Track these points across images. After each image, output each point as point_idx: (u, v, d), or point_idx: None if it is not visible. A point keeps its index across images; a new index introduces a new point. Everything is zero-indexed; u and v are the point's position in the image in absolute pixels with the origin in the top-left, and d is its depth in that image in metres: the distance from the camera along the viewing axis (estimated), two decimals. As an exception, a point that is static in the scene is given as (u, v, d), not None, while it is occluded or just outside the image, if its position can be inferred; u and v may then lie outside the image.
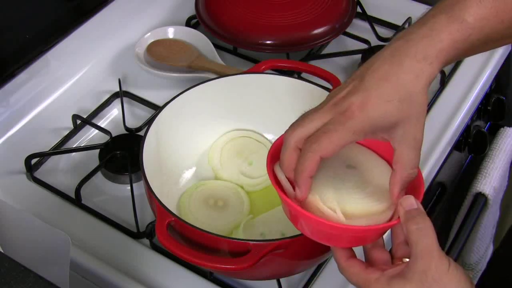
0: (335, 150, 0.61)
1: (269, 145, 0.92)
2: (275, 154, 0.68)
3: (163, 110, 0.86)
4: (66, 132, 0.99)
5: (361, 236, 0.64)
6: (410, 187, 0.65)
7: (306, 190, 0.64)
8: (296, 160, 0.63)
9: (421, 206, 0.62)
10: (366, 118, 0.60)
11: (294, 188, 0.64)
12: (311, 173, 0.62)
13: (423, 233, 0.59)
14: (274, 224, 0.84)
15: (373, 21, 1.16)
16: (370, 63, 0.63)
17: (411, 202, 0.62)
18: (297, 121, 0.65)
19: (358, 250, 0.66)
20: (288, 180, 0.66)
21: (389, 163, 0.69)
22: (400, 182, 0.63)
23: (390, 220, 0.65)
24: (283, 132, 0.89)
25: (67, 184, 0.92)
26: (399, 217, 0.62)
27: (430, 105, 1.03)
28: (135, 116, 1.03)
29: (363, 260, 0.65)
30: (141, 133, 0.94)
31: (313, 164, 0.61)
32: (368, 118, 0.60)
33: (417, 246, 0.59)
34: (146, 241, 0.86)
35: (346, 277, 0.64)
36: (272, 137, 0.94)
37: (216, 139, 0.93)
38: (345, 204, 0.65)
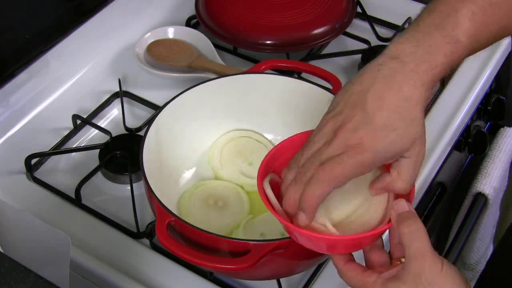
0: (345, 181, 0.61)
1: (269, 145, 0.92)
2: (265, 170, 0.71)
3: (163, 110, 0.86)
4: (66, 132, 0.99)
5: (355, 243, 0.65)
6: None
7: (311, 217, 0.63)
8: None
9: (412, 209, 0.63)
10: (376, 152, 0.61)
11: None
12: (321, 201, 0.62)
13: (415, 235, 0.61)
14: (274, 224, 0.83)
15: (373, 21, 1.16)
16: (368, 85, 0.62)
17: (403, 205, 0.63)
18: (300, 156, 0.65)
19: (358, 252, 0.66)
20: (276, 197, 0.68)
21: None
22: (385, 187, 0.66)
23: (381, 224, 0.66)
24: (283, 132, 0.90)
25: (67, 184, 0.92)
26: (390, 220, 0.63)
27: (430, 105, 1.03)
28: (135, 116, 1.03)
29: (363, 262, 0.66)
30: (141, 133, 0.94)
31: (325, 194, 0.61)
32: (378, 152, 0.61)
33: (410, 248, 0.60)
34: (146, 241, 0.86)
35: (344, 281, 0.65)
36: (272, 137, 0.94)
37: (216, 139, 0.93)
38: (336, 217, 0.66)
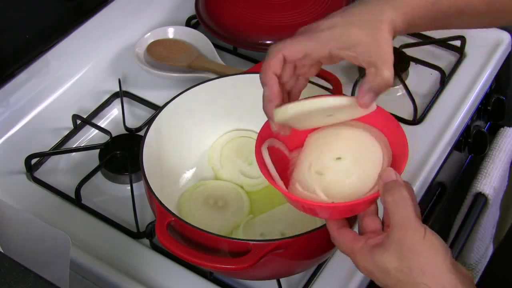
0: (297, 51, 0.67)
1: None
2: (263, 137, 0.73)
3: (163, 110, 0.86)
4: (66, 132, 0.99)
5: (346, 210, 0.67)
6: (397, 160, 0.68)
7: (275, 91, 0.69)
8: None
9: (399, 178, 0.64)
10: (328, 34, 0.67)
11: (288, 169, 0.70)
12: (275, 70, 0.68)
13: (399, 203, 0.62)
14: (274, 224, 0.83)
15: (373, 21, 1.16)
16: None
17: (390, 174, 0.65)
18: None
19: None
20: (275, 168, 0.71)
21: (387, 136, 0.72)
22: (367, 86, 0.66)
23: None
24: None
25: (67, 184, 0.92)
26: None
27: (430, 105, 1.03)
28: (135, 116, 1.03)
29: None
30: (141, 133, 0.94)
31: (276, 61, 0.68)
32: (331, 34, 0.67)
33: (394, 216, 0.62)
34: (146, 241, 0.86)
35: (336, 246, 0.67)
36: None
37: (216, 139, 0.93)
38: (330, 190, 0.68)
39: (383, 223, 0.66)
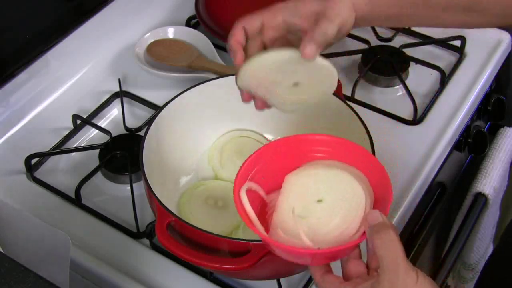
0: (254, 21, 0.74)
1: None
2: (243, 178, 0.69)
3: (163, 110, 0.86)
4: (66, 132, 0.99)
5: (329, 256, 0.64)
6: (380, 203, 0.66)
7: (238, 55, 0.75)
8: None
9: (386, 219, 0.62)
10: (285, 5, 0.72)
11: (266, 213, 0.67)
12: (237, 38, 0.74)
13: (388, 246, 0.60)
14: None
15: (373, 21, 1.16)
16: None
17: (376, 216, 0.62)
18: None
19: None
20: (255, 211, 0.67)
21: (367, 176, 0.69)
22: (311, 37, 0.70)
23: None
24: (283, 132, 0.90)
25: (67, 184, 0.92)
26: (365, 232, 0.63)
27: (430, 105, 1.03)
28: (135, 116, 1.03)
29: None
30: (141, 133, 0.94)
31: (237, 30, 0.74)
32: (287, 5, 0.72)
33: (383, 260, 0.60)
34: (146, 241, 0.86)
35: None
36: (272, 137, 0.94)
37: (216, 139, 0.93)
38: (314, 234, 0.65)
39: (367, 266, 0.64)
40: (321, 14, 0.71)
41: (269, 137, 0.94)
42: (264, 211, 0.70)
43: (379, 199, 0.67)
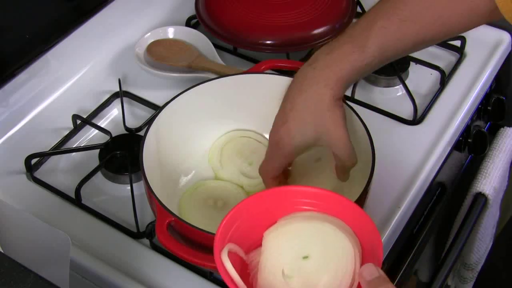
0: (277, 171, 0.81)
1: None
2: (222, 239, 0.64)
3: (163, 110, 0.86)
4: (66, 132, 0.99)
5: None
6: (369, 253, 0.63)
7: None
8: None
9: (382, 273, 0.60)
10: (292, 145, 0.78)
11: (248, 275, 0.64)
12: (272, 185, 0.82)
13: None
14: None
15: (373, 21, 1.16)
16: (288, 93, 0.80)
17: (372, 271, 0.60)
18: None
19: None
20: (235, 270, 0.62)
21: (354, 230, 0.66)
22: (340, 169, 0.80)
23: None
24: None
25: (67, 184, 0.92)
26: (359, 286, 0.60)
27: (430, 105, 1.03)
28: (135, 116, 1.03)
29: None
30: (141, 133, 0.94)
31: (270, 182, 0.82)
32: (294, 144, 0.78)
33: None
34: (146, 241, 0.86)
35: None
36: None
37: (216, 139, 0.93)
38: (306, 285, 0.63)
39: None
40: (331, 143, 0.79)
41: (269, 137, 0.94)
42: (246, 273, 0.65)
43: (367, 248, 0.63)
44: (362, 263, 0.63)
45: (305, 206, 0.67)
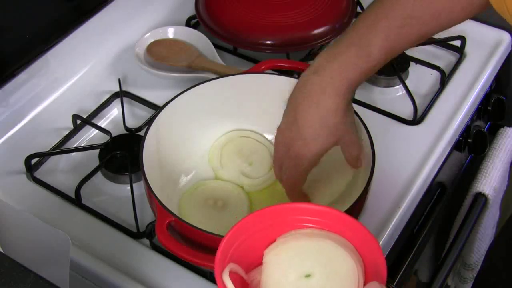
0: (301, 184, 0.81)
1: (269, 145, 0.92)
2: (222, 258, 0.62)
3: (163, 110, 0.86)
4: (66, 132, 0.99)
5: None
6: (372, 269, 0.62)
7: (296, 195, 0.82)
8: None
9: None
10: (311, 158, 0.78)
11: None
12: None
13: None
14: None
15: (373, 21, 1.16)
16: (297, 104, 0.78)
17: None
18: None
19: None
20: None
21: (357, 248, 0.65)
22: (352, 162, 0.81)
23: None
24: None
25: (67, 184, 0.92)
26: None
27: (430, 105, 1.03)
28: (135, 116, 1.03)
29: None
30: (141, 133, 0.94)
31: (296, 195, 0.82)
32: (312, 156, 0.78)
33: None
34: (146, 241, 0.86)
35: None
36: (272, 137, 0.94)
37: (216, 139, 0.93)
38: None
39: None
40: (342, 144, 0.80)
41: (269, 137, 0.94)
42: None
43: (369, 265, 0.63)
44: (365, 281, 0.62)
45: (305, 223, 0.66)
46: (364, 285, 0.62)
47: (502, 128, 1.14)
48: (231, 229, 0.64)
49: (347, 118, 0.78)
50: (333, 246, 0.64)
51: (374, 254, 0.62)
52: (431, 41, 1.13)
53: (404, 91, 1.04)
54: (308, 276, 0.63)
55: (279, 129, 0.81)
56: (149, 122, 0.86)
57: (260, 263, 0.65)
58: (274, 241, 0.66)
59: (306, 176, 0.80)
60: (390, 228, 0.88)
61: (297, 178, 0.80)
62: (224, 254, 0.62)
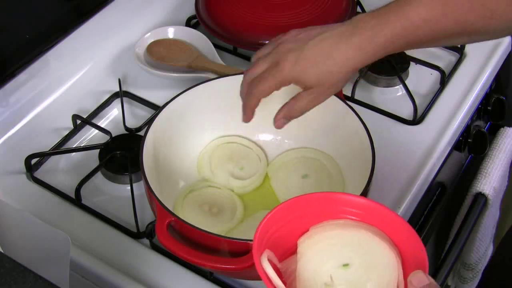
0: (269, 92, 0.77)
1: (257, 149, 0.91)
2: (260, 243, 0.61)
3: (163, 110, 0.86)
4: (66, 132, 0.99)
5: None
6: (410, 259, 0.62)
7: (250, 117, 0.81)
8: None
9: (432, 280, 0.58)
10: (291, 75, 0.75)
11: (284, 283, 0.60)
12: (254, 107, 0.79)
13: None
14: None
15: (373, 21, 1.16)
16: (321, 32, 0.76)
17: (422, 278, 0.58)
18: (252, 63, 0.80)
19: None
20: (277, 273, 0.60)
21: (395, 244, 0.63)
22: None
23: None
24: (283, 133, 0.90)
25: (67, 184, 0.92)
26: None
27: (430, 105, 1.03)
28: (135, 116, 1.03)
29: None
30: (141, 133, 0.94)
31: (255, 102, 0.79)
32: (293, 76, 0.75)
33: None
34: (146, 241, 0.86)
35: None
36: (272, 137, 0.94)
37: (217, 139, 0.93)
38: None
39: None
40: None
41: (269, 137, 0.94)
42: (282, 281, 0.61)
43: (406, 254, 0.61)
44: (404, 275, 0.61)
45: (341, 214, 0.65)
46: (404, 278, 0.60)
47: (502, 128, 1.14)
48: (265, 217, 0.63)
49: (342, 79, 0.77)
50: (369, 236, 0.63)
51: (414, 247, 0.61)
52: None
53: (404, 91, 1.04)
54: (346, 265, 0.62)
55: (280, 35, 0.79)
56: (149, 122, 0.86)
57: (293, 252, 0.64)
58: (306, 230, 0.65)
59: (272, 88, 0.77)
60: (390, 228, 0.88)
61: (267, 86, 0.77)
62: (260, 241, 0.61)
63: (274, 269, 0.60)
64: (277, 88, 0.77)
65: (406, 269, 0.61)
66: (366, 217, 0.64)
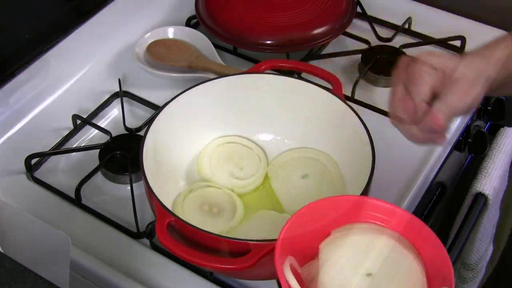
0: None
1: (257, 149, 0.91)
2: (282, 249, 0.60)
3: (163, 110, 0.86)
4: (66, 132, 0.99)
5: None
6: (435, 275, 0.60)
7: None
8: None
9: None
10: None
11: None
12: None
13: None
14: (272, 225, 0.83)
15: (373, 21, 1.16)
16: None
17: None
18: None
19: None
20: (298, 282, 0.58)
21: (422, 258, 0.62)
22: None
23: None
24: (283, 133, 0.90)
25: (67, 184, 0.92)
26: None
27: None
28: (135, 116, 1.03)
29: None
30: (141, 133, 0.94)
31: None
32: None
33: None
34: (146, 241, 0.86)
35: None
36: (272, 137, 0.94)
37: (217, 139, 0.93)
38: None
39: None
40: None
41: (270, 137, 0.94)
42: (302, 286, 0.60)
43: (431, 267, 0.60)
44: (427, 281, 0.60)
45: (364, 218, 0.64)
46: None
47: (502, 128, 1.14)
48: (288, 221, 0.61)
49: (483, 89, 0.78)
50: (392, 243, 0.61)
51: (439, 257, 0.59)
52: (431, 41, 1.13)
53: (404, 91, 1.04)
54: (368, 275, 0.60)
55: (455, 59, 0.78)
56: (149, 122, 0.86)
57: (314, 256, 0.63)
58: (328, 234, 0.63)
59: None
60: (390, 228, 0.88)
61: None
62: (282, 247, 0.60)
63: (294, 275, 0.59)
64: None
65: (430, 280, 0.59)
66: (390, 223, 0.63)
